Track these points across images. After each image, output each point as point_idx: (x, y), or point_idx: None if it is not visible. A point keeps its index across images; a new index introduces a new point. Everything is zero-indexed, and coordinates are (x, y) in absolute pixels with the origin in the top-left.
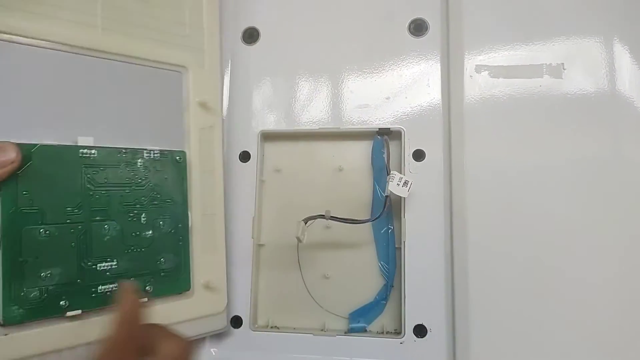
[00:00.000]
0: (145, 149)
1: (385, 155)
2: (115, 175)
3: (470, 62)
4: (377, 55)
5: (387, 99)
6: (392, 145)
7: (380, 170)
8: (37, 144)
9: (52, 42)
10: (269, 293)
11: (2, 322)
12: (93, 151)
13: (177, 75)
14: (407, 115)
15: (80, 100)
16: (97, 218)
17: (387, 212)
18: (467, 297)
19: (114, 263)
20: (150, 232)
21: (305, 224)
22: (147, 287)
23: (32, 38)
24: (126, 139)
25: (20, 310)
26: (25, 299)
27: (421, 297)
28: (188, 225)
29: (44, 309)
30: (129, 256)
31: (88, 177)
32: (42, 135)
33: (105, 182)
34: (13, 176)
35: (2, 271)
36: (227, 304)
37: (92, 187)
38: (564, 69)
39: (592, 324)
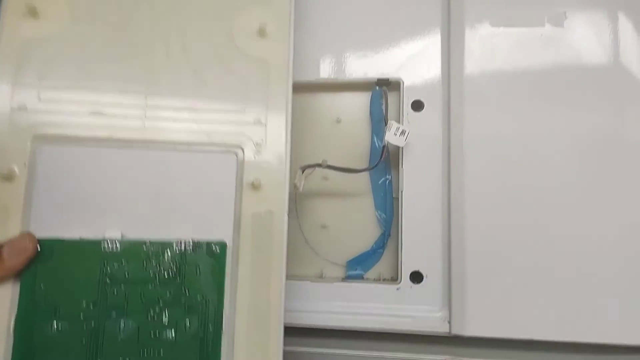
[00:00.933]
0: (177, 240)
1: (383, 107)
2: (138, 269)
3: (471, 10)
4: (375, 5)
5: (385, 49)
6: (391, 97)
7: (379, 122)
8: (62, 240)
9: (96, 139)
10: None
11: None
12: (117, 245)
13: (231, 157)
14: (406, 65)
15: (114, 192)
16: (113, 315)
17: (384, 162)
18: (463, 244)
19: None
20: (173, 333)
21: (302, 172)
22: None
23: (78, 139)
24: (160, 230)
25: None
26: None
27: (418, 245)
28: (221, 327)
29: None
30: (144, 359)
31: (107, 271)
32: (74, 229)
33: (126, 277)
34: (32, 269)
35: None
36: None
37: (110, 282)
38: (565, 17)
39: (588, 272)
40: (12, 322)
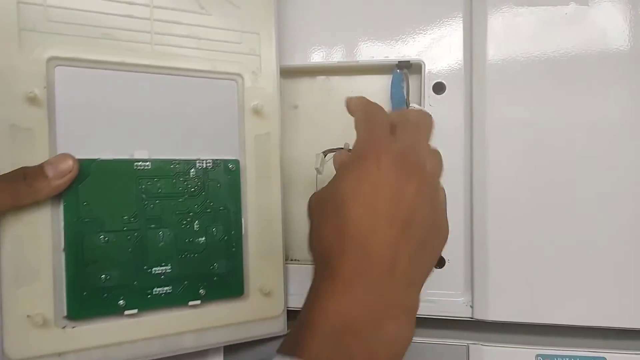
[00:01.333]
0: (198, 159)
1: (404, 90)
2: (168, 185)
3: None
4: None
5: (407, 32)
6: (412, 79)
7: (400, 105)
8: (95, 159)
9: (109, 63)
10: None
11: (68, 317)
12: (147, 164)
13: (232, 84)
14: (428, 47)
15: (136, 115)
16: (152, 226)
17: None
18: (485, 229)
19: (168, 267)
20: (203, 238)
21: (325, 156)
22: (200, 291)
23: (92, 62)
24: (180, 150)
25: (83, 307)
26: (87, 298)
27: None
28: (241, 232)
29: (104, 308)
30: (182, 261)
31: (142, 188)
32: (101, 150)
33: (159, 192)
34: (74, 189)
35: (67, 273)
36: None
37: (146, 197)
38: None
39: (611, 258)
40: (62, 240)
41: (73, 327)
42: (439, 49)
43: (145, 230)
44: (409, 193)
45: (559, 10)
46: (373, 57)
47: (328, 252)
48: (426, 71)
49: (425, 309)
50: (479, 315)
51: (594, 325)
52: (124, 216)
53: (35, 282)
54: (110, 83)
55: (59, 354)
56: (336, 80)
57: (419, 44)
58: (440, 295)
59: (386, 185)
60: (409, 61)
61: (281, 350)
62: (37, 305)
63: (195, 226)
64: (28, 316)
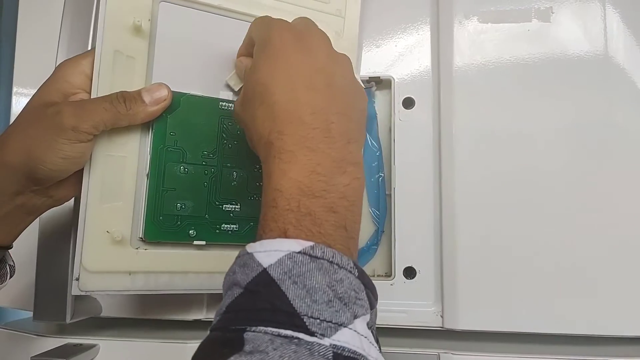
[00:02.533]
0: None
1: (376, 105)
2: None
3: (460, 7)
4: (365, 3)
5: (376, 47)
6: (382, 95)
7: (371, 120)
8: (186, 93)
9: (208, 5)
10: None
11: (144, 238)
12: (231, 105)
13: None
14: (397, 63)
15: (226, 58)
16: (228, 164)
17: (378, 160)
18: (454, 239)
19: (238, 206)
20: None
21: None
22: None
23: (193, 1)
24: None
25: (158, 230)
26: (162, 223)
27: (410, 241)
28: None
29: (177, 234)
30: (251, 203)
31: (224, 127)
32: (191, 86)
33: (238, 134)
34: (164, 118)
35: (148, 196)
36: None
37: (226, 137)
38: (552, 13)
39: (579, 265)
40: (148, 165)
41: (145, 249)
42: (407, 64)
43: (221, 167)
44: (320, 59)
45: (522, 27)
46: None
47: (269, 139)
48: (396, 86)
49: (396, 319)
50: (449, 325)
51: (564, 333)
52: (204, 151)
53: (119, 201)
54: (207, 24)
55: (130, 273)
56: None
57: (388, 60)
58: (411, 306)
59: (296, 58)
60: (379, 77)
61: (252, 245)
62: (118, 223)
63: None
64: (108, 232)
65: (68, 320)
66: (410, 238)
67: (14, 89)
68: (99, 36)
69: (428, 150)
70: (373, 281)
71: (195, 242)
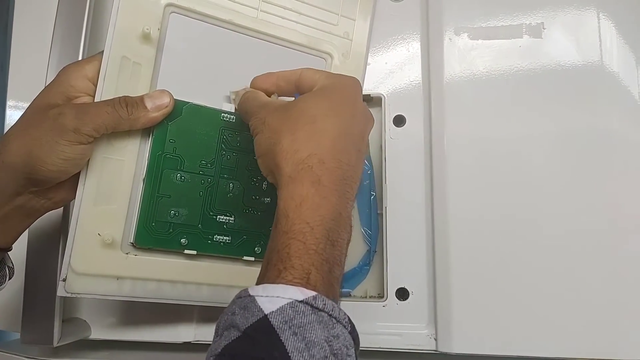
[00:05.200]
0: None
1: None
2: (246, 141)
3: (449, 24)
4: None
5: (367, 65)
6: (373, 112)
7: None
8: (188, 102)
9: (218, 19)
10: None
11: (134, 243)
12: (232, 117)
13: (321, 61)
14: (387, 80)
15: (231, 71)
16: (225, 175)
17: (369, 178)
18: (447, 260)
19: (232, 218)
20: (269, 199)
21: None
22: (256, 249)
23: (203, 15)
24: None
25: (150, 236)
26: (154, 229)
27: (403, 261)
28: None
29: (168, 242)
30: (245, 216)
31: (224, 138)
32: (194, 96)
33: (237, 146)
34: (164, 125)
35: (142, 201)
36: None
37: (225, 148)
38: (543, 29)
39: (574, 287)
40: (145, 170)
41: (135, 255)
42: (397, 81)
43: (218, 178)
44: (361, 126)
45: (514, 43)
46: None
47: (306, 162)
48: (386, 104)
49: (389, 342)
50: (443, 348)
51: (559, 357)
52: (202, 160)
53: (113, 204)
54: (216, 37)
55: (117, 278)
56: None
57: (378, 78)
58: (405, 328)
59: (353, 117)
60: (369, 94)
61: (254, 289)
62: (110, 226)
63: (263, 186)
64: (99, 234)
65: (55, 344)
66: (403, 258)
67: (8, 102)
68: (108, 41)
69: (420, 168)
70: (365, 302)
71: (186, 251)
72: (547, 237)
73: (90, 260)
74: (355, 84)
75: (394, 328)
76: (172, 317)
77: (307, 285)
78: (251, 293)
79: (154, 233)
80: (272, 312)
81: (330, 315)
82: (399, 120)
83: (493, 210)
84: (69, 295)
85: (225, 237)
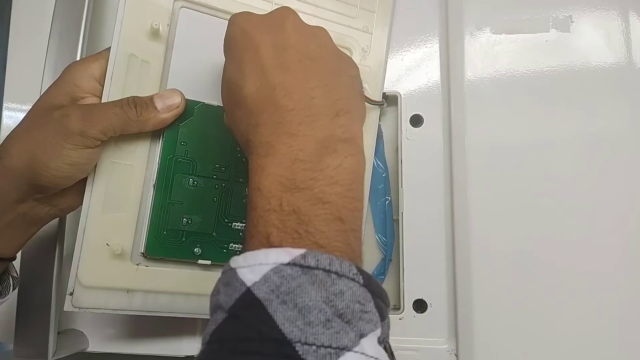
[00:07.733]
0: None
1: (381, 123)
2: None
3: (471, 17)
4: None
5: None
6: (388, 112)
7: (377, 139)
8: (200, 102)
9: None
10: None
11: (145, 253)
12: None
13: None
14: (403, 78)
15: None
16: (241, 180)
17: (384, 182)
18: (469, 269)
19: None
20: None
21: None
22: None
23: (214, 9)
24: None
25: (162, 246)
26: (166, 238)
27: (421, 271)
28: None
29: (181, 251)
30: None
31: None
32: (205, 96)
33: None
34: (175, 126)
35: (153, 208)
36: None
37: (240, 150)
38: (571, 22)
39: (598, 300)
40: (155, 175)
41: (146, 266)
42: (415, 79)
43: (233, 182)
44: (287, 35)
45: (540, 38)
46: None
47: (246, 137)
48: (403, 103)
49: (406, 358)
50: None
51: None
52: (216, 164)
53: (122, 212)
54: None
55: (127, 291)
56: None
57: (394, 76)
58: (422, 343)
59: (260, 41)
60: (385, 93)
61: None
62: (119, 235)
63: None
64: (107, 244)
65: (50, 357)
66: (421, 267)
67: (5, 104)
68: (115, 38)
69: (438, 171)
70: None
71: (200, 261)
72: (578, 248)
73: (99, 272)
74: (232, 17)
75: (410, 342)
76: (174, 329)
77: (269, 246)
78: (232, 265)
79: (166, 242)
80: (255, 282)
81: (326, 271)
82: (416, 120)
83: (518, 217)
84: (76, 310)
85: (241, 246)
